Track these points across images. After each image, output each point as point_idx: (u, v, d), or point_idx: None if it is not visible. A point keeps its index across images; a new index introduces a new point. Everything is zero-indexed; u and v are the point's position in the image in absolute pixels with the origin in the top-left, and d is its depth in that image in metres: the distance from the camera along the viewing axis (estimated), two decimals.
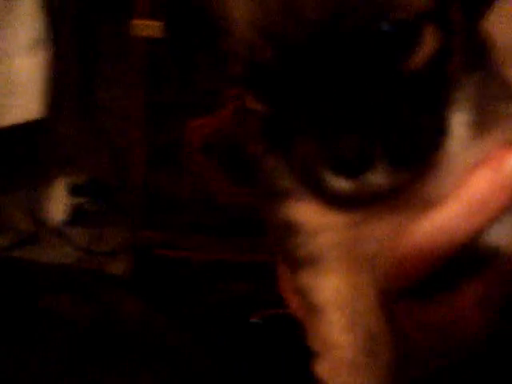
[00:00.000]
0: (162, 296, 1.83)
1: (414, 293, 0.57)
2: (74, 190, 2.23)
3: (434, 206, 0.54)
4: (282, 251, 0.59)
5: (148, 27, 1.52)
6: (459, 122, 0.52)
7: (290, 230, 0.56)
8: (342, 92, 0.44)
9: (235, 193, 1.70)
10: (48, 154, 2.16)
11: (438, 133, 0.49)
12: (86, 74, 2.14)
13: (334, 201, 0.51)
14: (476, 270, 0.56)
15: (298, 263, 0.57)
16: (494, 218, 0.55)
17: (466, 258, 0.56)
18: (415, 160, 0.47)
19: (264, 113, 0.50)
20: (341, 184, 0.46)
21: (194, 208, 1.73)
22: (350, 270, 0.55)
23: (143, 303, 1.73)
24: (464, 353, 0.60)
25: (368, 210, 0.53)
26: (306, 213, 0.55)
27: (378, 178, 0.45)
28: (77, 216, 2.24)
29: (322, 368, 0.55)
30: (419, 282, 0.56)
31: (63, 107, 2.10)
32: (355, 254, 0.55)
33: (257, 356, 1.69)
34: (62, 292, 1.72)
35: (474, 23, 0.52)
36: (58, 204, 2.23)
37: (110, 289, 1.98)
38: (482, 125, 0.53)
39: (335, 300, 0.55)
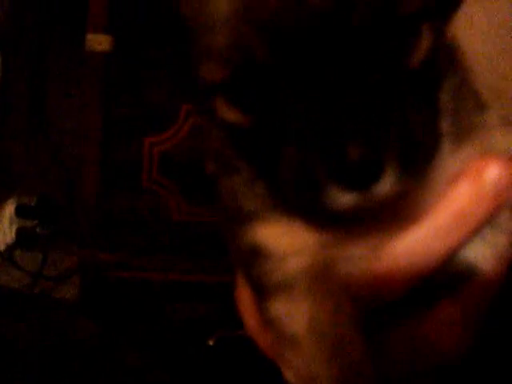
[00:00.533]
0: (119, 318, 1.79)
1: (390, 311, 0.54)
2: (23, 212, 2.17)
3: (413, 222, 0.52)
4: (250, 278, 0.54)
5: (103, 41, 1.49)
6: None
7: (257, 255, 0.52)
8: (343, 93, 0.40)
9: (192, 212, 1.68)
10: None
11: (435, 138, 0.46)
12: (37, 89, 2.10)
13: (330, 219, 0.46)
14: (453, 287, 0.54)
15: (269, 291, 0.52)
16: (475, 232, 0.53)
17: (443, 275, 0.53)
18: (420, 165, 0.43)
19: (241, 123, 0.45)
20: (346, 198, 0.41)
21: (152, 228, 1.69)
22: (325, 294, 0.51)
23: (98, 326, 1.68)
24: (444, 369, 0.58)
25: (341, 229, 0.50)
26: (274, 236, 0.51)
27: (387, 188, 0.41)
28: (25, 239, 2.18)
29: None
30: (396, 301, 0.53)
31: (11, 124, 2.06)
32: (330, 277, 0.51)
33: (214, 378, 1.66)
34: (12, 317, 1.66)
35: (444, 28, 0.50)
36: (5, 227, 2.17)
37: (61, 313, 1.92)
38: (457, 135, 0.52)
39: (312, 329, 0.50)
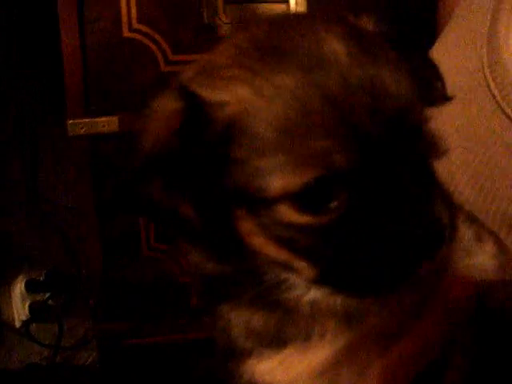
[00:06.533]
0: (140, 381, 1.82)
1: None
2: (33, 287, 2.20)
3: (391, 344, 0.56)
4: None
5: (85, 125, 1.53)
6: None
7: None
8: (404, 179, 0.47)
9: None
10: (3, 255, 2.14)
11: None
12: (29, 170, 2.15)
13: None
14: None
15: None
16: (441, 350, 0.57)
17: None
18: None
19: (311, 224, 0.48)
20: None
21: (157, 293, 1.72)
22: None
23: None
24: None
25: (333, 354, 0.54)
26: (269, 370, 0.55)
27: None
28: (39, 313, 2.22)
29: None
30: None
31: (11, 205, 2.10)
32: None
33: None
34: None
35: None
36: (19, 303, 2.20)
37: (83, 381, 1.95)
38: None
39: None
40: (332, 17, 0.52)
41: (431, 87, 0.58)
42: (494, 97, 0.74)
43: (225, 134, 0.47)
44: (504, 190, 0.69)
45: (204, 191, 0.49)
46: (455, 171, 0.74)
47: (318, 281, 0.51)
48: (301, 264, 0.51)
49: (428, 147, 0.51)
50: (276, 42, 0.48)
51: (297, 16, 0.54)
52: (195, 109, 0.49)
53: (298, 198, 0.46)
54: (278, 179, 0.46)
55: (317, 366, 0.54)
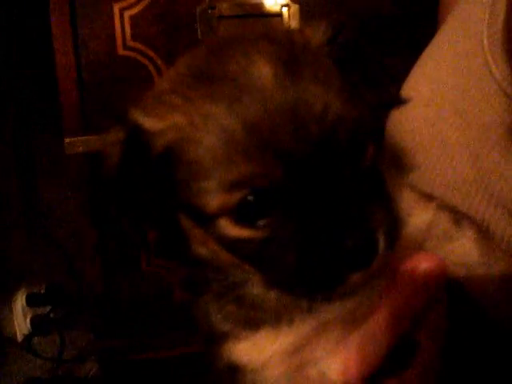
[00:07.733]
0: None
1: None
2: (34, 301, 2.21)
3: (361, 323, 0.57)
4: None
5: (82, 143, 1.54)
6: None
7: (235, 372, 0.59)
8: (337, 191, 0.51)
9: None
10: (4, 270, 2.14)
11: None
12: (28, 186, 2.15)
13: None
14: (398, 367, 0.58)
15: None
16: (414, 322, 0.58)
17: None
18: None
19: (249, 237, 0.53)
20: (355, 276, 0.51)
21: (156, 309, 1.73)
22: None
23: None
24: None
25: (303, 335, 0.57)
26: (245, 350, 0.58)
27: (382, 259, 0.51)
28: (40, 326, 2.22)
29: None
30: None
31: (10, 220, 2.11)
32: (303, 378, 0.57)
33: None
34: None
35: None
36: (20, 317, 2.20)
37: None
38: None
39: None
40: (272, 35, 0.57)
41: (385, 91, 0.62)
42: (494, 78, 0.75)
43: (165, 159, 0.54)
44: (502, 171, 0.70)
45: (149, 208, 0.55)
46: (455, 153, 0.76)
47: (268, 283, 0.57)
48: (250, 268, 0.57)
49: (372, 157, 0.55)
50: (210, 68, 0.53)
51: (236, 38, 0.57)
52: (136, 137, 0.55)
53: (235, 214, 0.53)
54: (215, 199, 0.52)
55: (287, 347, 0.57)
